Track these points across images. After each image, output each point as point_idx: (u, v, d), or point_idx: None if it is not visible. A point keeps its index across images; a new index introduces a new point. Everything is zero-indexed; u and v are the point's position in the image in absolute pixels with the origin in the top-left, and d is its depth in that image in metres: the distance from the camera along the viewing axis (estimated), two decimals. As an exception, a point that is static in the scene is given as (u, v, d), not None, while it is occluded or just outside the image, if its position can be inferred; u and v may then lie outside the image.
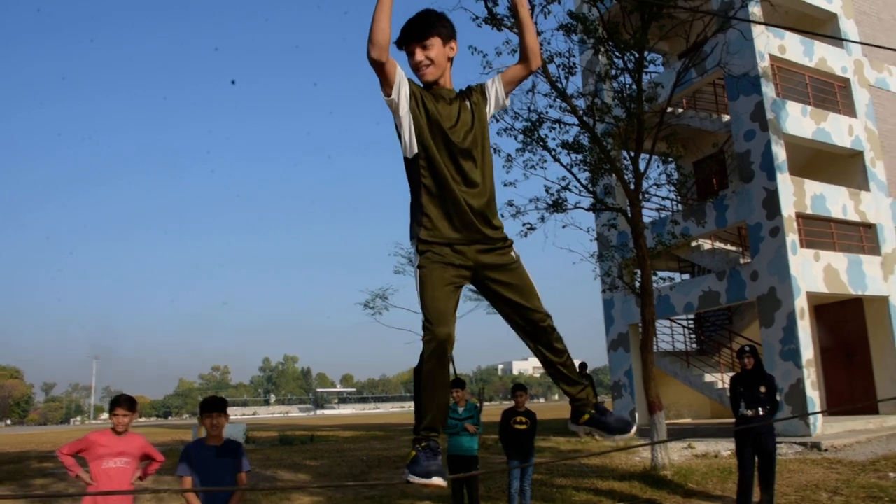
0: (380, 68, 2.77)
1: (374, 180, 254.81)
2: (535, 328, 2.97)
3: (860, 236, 19.53)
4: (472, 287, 3.03)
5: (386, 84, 2.82)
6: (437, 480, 2.74)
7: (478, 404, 10.22)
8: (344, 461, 17.24)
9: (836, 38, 19.57)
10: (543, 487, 11.32)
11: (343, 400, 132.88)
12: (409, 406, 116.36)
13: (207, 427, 5.06)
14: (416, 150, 2.88)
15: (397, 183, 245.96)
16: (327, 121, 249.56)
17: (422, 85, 2.97)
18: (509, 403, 9.58)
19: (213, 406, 5.13)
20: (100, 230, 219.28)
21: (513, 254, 2.99)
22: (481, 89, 3.06)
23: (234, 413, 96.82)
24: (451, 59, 3.02)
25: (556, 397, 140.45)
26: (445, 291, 2.80)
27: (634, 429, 3.07)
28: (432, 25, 2.96)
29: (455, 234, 2.87)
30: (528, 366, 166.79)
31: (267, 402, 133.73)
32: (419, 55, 2.93)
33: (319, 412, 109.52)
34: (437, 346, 2.73)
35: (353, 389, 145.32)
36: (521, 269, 2.99)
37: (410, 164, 2.92)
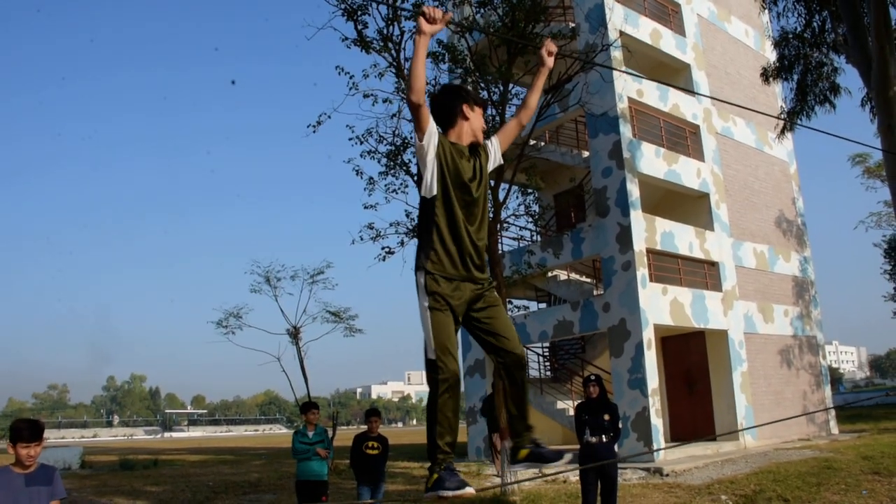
0: (417, 110, 3.20)
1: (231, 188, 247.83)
2: (511, 362, 3.31)
3: (704, 273, 20.72)
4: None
5: (419, 128, 3.24)
6: (469, 490, 3.04)
7: (329, 429, 9.98)
8: (188, 487, 16.39)
9: (686, 90, 20.82)
10: (394, 514, 11.15)
11: (193, 422, 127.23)
12: (264, 429, 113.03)
13: (21, 457, 4.51)
14: (434, 191, 3.26)
15: (255, 198, 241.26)
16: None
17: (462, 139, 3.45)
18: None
19: (29, 436, 4.55)
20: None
21: (495, 294, 3.38)
22: (484, 148, 3.51)
23: (72, 435, 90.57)
24: None
25: (414, 422, 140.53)
26: (452, 332, 3.17)
27: (569, 455, 3.45)
28: None
29: (455, 271, 3.22)
30: (388, 390, 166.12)
31: (110, 424, 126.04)
32: (482, 121, 3.53)
33: (167, 435, 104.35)
34: (452, 381, 3.10)
35: (205, 411, 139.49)
36: (501, 308, 3.36)
37: (427, 204, 3.29)
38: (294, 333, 19.06)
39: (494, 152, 3.57)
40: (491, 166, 3.51)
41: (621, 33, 18.34)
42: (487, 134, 3.62)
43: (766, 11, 17.29)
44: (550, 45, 3.60)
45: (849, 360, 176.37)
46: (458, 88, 3.62)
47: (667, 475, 14.69)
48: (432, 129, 3.27)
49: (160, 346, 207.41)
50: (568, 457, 3.47)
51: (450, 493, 3.03)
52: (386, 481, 10.06)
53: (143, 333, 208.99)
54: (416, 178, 3.61)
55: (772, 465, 14.98)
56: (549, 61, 3.61)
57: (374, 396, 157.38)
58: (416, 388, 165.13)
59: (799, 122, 16.16)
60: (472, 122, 3.48)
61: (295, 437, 9.07)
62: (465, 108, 3.47)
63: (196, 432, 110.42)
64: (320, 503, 9.02)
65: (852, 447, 17.61)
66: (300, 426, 9.31)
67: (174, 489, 15.99)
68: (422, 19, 3.15)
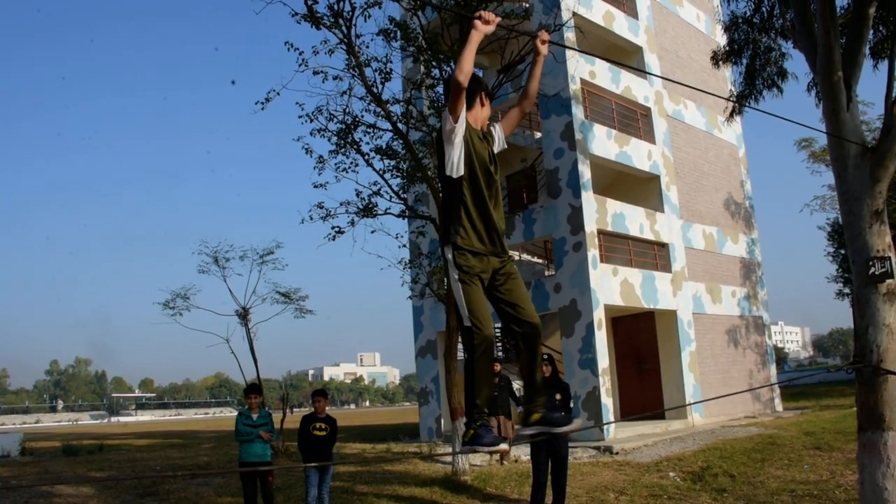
0: (459, 92, 3.38)
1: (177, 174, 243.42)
2: (528, 331, 3.57)
3: (654, 254, 20.95)
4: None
5: (455, 110, 3.42)
6: (503, 446, 3.39)
7: (279, 411, 9.81)
8: (134, 471, 16.08)
9: (638, 71, 20.87)
10: (344, 495, 11.05)
11: (142, 406, 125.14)
12: (214, 412, 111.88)
13: None
14: (462, 172, 3.49)
15: (208, 178, 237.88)
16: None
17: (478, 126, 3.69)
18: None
19: None
20: None
21: (514, 266, 3.66)
22: (490, 134, 3.79)
23: (13, 421, 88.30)
24: None
25: (367, 404, 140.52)
26: (484, 300, 3.44)
27: (579, 420, 3.75)
28: None
29: (482, 245, 3.50)
30: (340, 371, 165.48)
31: (54, 409, 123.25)
32: (489, 112, 3.81)
33: (114, 419, 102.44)
34: (488, 345, 3.40)
35: (154, 395, 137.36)
36: (519, 280, 3.63)
37: (454, 183, 3.51)
38: (243, 315, 18.73)
39: (499, 137, 3.85)
40: (496, 149, 3.79)
41: (574, 14, 18.31)
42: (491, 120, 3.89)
43: (717, -5, 17.42)
44: (544, 35, 3.84)
45: (793, 339, 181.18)
46: (477, 78, 3.81)
47: (616, 453, 14.86)
48: (464, 116, 3.49)
49: (108, 327, 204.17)
50: (578, 422, 3.75)
51: (486, 449, 3.36)
52: (334, 462, 9.96)
53: (91, 316, 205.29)
54: (436, 158, 3.81)
55: (718, 442, 15.26)
56: (544, 49, 3.84)
57: (326, 378, 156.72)
58: (369, 369, 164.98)
59: (748, 105, 16.35)
60: (484, 111, 3.75)
61: (238, 419, 8.89)
62: (483, 95, 3.74)
63: (144, 416, 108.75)
64: (267, 483, 8.89)
65: (795, 423, 18.05)
66: (244, 408, 9.13)
67: (119, 474, 15.66)
68: (478, 22, 3.46)
